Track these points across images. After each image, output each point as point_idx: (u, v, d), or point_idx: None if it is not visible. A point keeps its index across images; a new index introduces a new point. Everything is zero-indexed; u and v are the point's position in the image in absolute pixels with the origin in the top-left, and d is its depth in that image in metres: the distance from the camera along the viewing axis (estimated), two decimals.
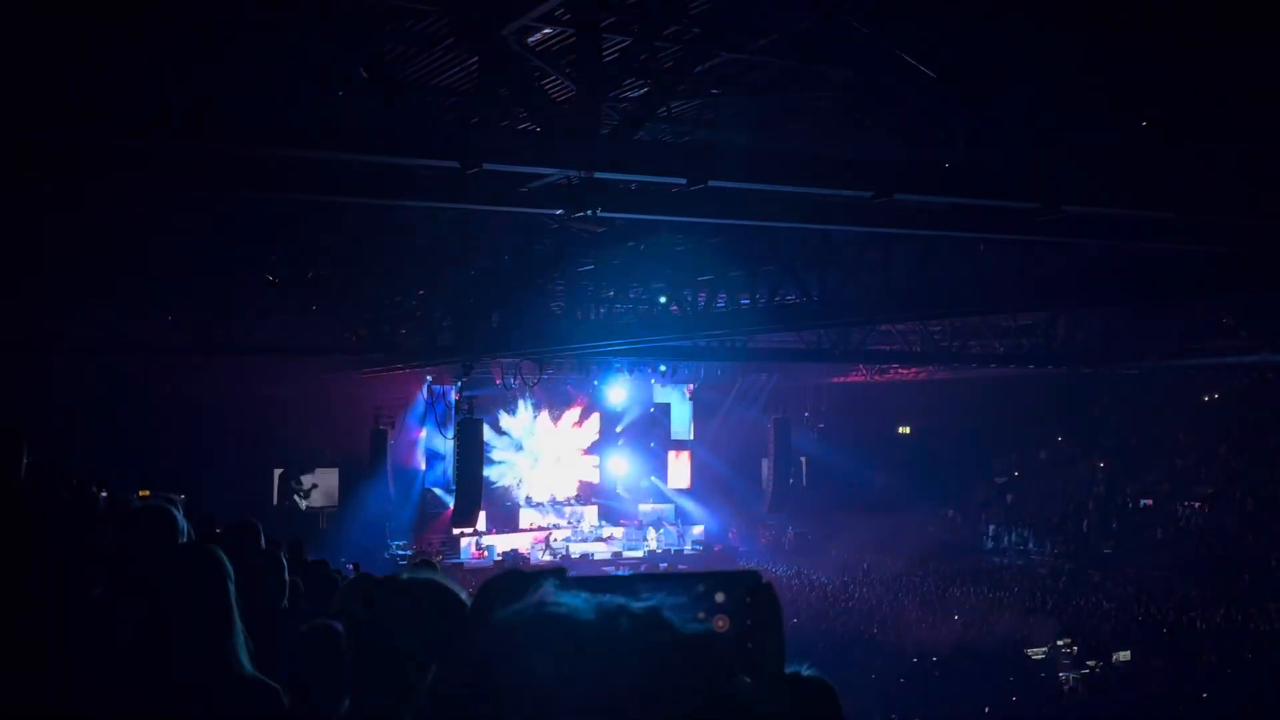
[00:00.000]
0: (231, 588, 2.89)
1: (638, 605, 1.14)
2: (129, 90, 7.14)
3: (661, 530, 35.97)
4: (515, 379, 32.25)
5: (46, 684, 2.91)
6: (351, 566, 10.44)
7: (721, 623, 1.52)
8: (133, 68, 7.72)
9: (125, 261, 17.45)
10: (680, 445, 38.31)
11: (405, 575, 2.58)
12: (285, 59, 8.60)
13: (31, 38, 6.69)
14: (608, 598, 1.15)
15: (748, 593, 1.55)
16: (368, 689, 2.36)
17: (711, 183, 7.86)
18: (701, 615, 1.50)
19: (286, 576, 5.33)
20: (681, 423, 38.43)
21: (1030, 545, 31.75)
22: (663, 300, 18.96)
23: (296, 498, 31.94)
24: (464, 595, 2.47)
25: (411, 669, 2.11)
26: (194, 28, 7.77)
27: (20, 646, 3.02)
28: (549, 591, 1.17)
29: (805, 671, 1.78)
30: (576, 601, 1.13)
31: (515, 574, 1.74)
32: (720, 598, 1.53)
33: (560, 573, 1.36)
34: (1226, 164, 8.32)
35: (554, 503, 35.58)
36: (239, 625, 2.89)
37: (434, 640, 2.19)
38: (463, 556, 32.23)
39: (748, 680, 1.33)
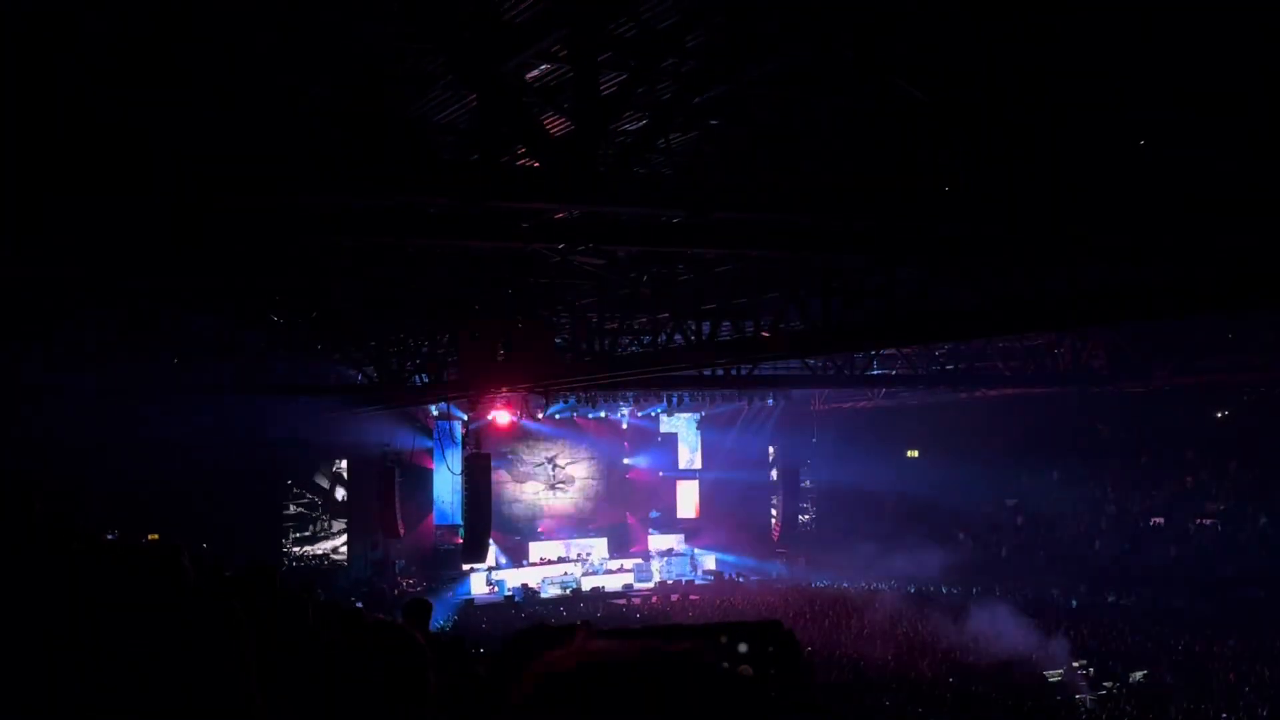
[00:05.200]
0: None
1: (677, 648, 1.15)
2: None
3: (671, 560, 35.86)
4: (521, 413, 32.34)
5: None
6: (360, 605, 10.44)
7: (744, 672, 1.53)
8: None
9: (131, 306, 17.52)
10: (688, 474, 38.25)
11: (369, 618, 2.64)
12: (288, 101, 8.68)
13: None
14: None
15: (770, 642, 1.56)
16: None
17: (712, 214, 7.90)
18: (725, 666, 1.51)
19: (310, 619, 5.33)
20: (689, 452, 38.40)
21: (1042, 566, 31.56)
22: (667, 330, 18.99)
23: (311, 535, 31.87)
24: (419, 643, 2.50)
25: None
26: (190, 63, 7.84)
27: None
28: (579, 639, 1.18)
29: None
30: (617, 648, 1.14)
31: (540, 629, 1.75)
32: (743, 648, 1.54)
33: (586, 627, 1.38)
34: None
35: (564, 535, 35.51)
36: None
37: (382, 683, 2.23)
38: (473, 592, 32.14)
39: None
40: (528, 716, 1.11)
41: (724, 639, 1.55)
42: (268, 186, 7.60)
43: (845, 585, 31.85)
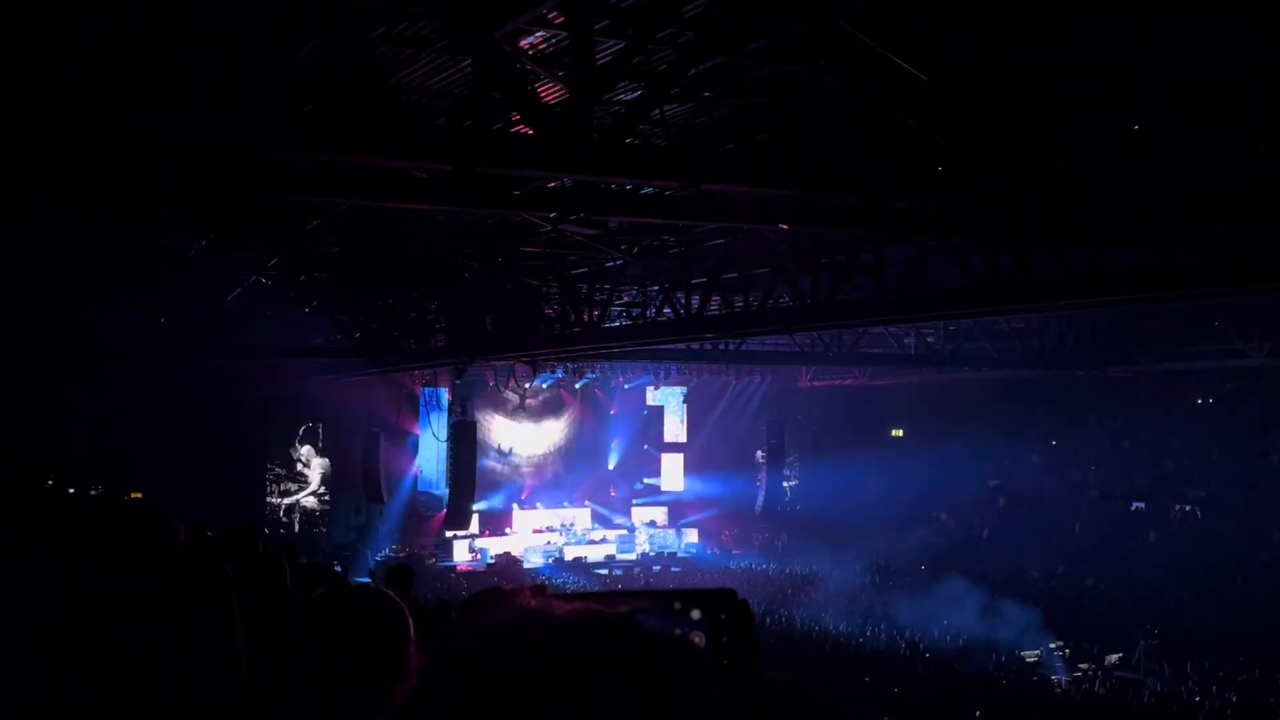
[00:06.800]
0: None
1: (613, 611, 1.15)
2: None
3: (654, 533, 35.97)
4: (509, 381, 32.29)
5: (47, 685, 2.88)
6: (340, 568, 10.46)
7: (698, 638, 1.54)
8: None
9: (118, 263, 17.42)
10: (674, 448, 38.31)
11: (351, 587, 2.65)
12: (280, 62, 8.59)
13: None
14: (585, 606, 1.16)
15: (723, 610, 1.56)
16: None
17: (704, 186, 7.87)
18: (678, 631, 1.52)
19: (288, 580, 5.35)
20: (675, 425, 38.44)
21: (1023, 548, 31.73)
22: (656, 303, 18.94)
23: (291, 488, 31.89)
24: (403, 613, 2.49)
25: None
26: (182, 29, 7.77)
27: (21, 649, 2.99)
28: (526, 600, 1.18)
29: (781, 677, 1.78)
30: (553, 608, 1.14)
31: (496, 591, 1.76)
32: (696, 615, 1.55)
33: (540, 589, 1.38)
34: None
35: (546, 504, 35.56)
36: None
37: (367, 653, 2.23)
38: (455, 559, 32.19)
39: (720, 690, 1.34)
40: (454, 675, 1.11)
41: (677, 605, 1.55)
42: (267, 186, 7.61)
43: (824, 563, 31.93)
